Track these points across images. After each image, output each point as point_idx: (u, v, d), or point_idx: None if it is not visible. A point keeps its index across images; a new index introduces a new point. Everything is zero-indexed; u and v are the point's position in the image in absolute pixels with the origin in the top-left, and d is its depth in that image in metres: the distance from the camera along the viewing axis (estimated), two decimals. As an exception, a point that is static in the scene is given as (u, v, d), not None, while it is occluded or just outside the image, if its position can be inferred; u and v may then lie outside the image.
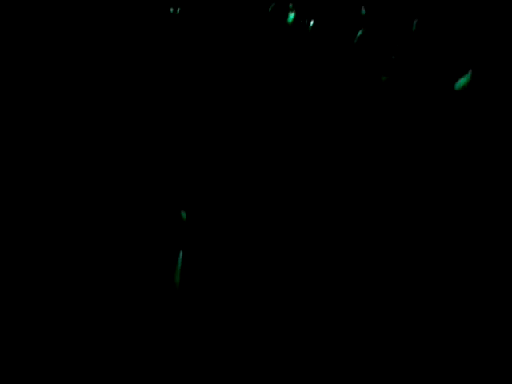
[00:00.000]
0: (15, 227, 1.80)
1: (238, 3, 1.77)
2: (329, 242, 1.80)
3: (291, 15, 1.88)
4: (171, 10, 1.88)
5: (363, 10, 1.74)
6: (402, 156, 1.76)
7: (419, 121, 1.69)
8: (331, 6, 1.89)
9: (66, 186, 1.82)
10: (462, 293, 1.72)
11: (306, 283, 1.78)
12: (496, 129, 1.56)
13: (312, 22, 1.80)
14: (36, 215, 1.81)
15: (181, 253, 1.74)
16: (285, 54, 1.77)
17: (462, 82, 1.34)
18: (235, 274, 1.81)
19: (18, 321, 1.71)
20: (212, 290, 1.79)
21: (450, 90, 1.44)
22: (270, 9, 1.81)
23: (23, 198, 1.81)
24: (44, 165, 1.82)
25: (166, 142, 1.82)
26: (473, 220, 1.76)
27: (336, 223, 1.82)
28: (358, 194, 1.80)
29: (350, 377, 1.70)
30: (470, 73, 1.35)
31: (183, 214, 1.81)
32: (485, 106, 1.43)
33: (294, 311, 1.76)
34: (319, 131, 1.79)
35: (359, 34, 1.66)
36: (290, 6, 1.86)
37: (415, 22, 1.56)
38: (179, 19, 1.81)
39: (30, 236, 1.79)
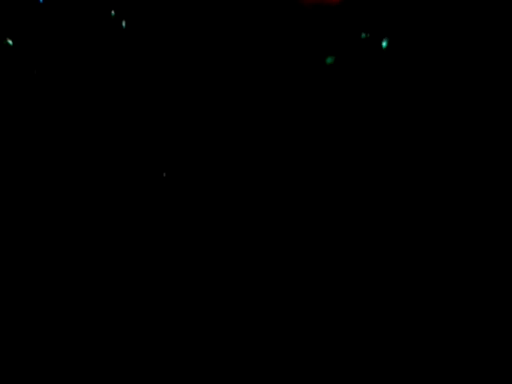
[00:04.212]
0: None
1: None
2: (325, 243, 1.80)
3: None
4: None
5: None
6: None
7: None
8: None
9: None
10: (461, 292, 1.72)
11: (306, 284, 1.78)
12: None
13: None
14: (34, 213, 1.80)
15: None
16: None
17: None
18: (233, 273, 1.81)
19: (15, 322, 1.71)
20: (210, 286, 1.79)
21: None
22: None
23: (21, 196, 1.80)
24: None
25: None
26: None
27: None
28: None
29: (349, 377, 1.70)
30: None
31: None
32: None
33: (294, 312, 1.76)
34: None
35: None
36: None
37: None
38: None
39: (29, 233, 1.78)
